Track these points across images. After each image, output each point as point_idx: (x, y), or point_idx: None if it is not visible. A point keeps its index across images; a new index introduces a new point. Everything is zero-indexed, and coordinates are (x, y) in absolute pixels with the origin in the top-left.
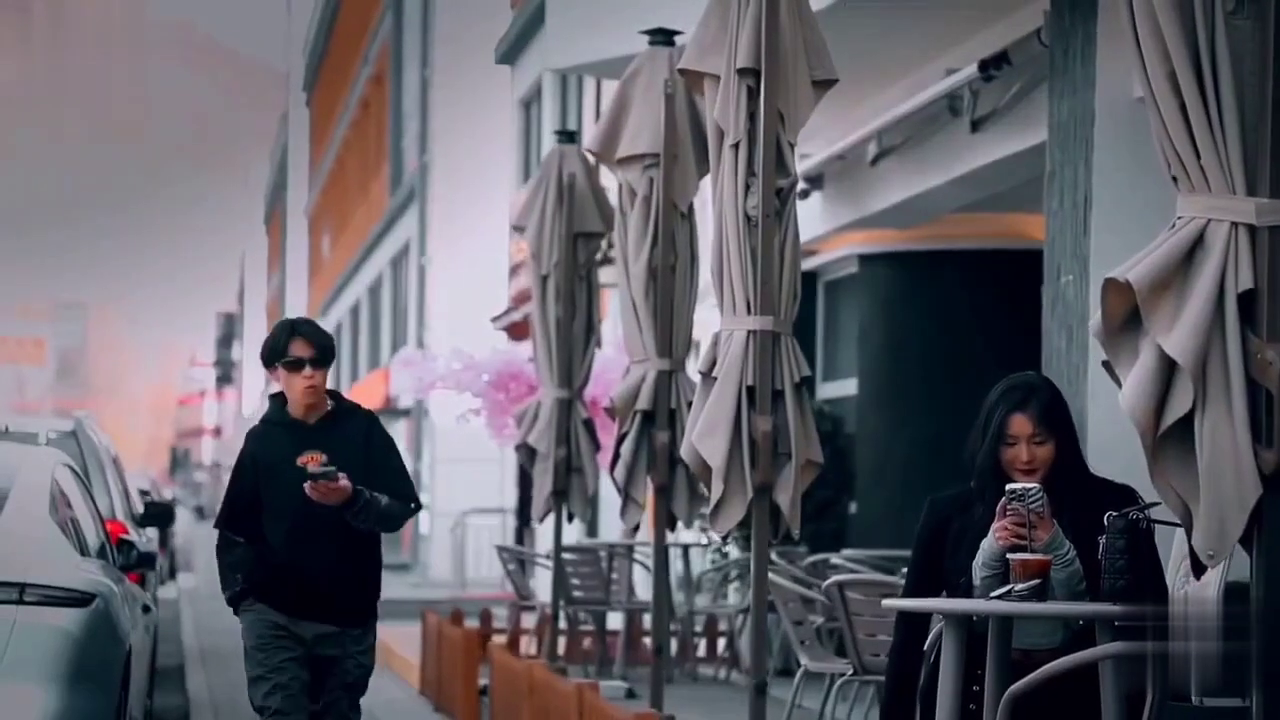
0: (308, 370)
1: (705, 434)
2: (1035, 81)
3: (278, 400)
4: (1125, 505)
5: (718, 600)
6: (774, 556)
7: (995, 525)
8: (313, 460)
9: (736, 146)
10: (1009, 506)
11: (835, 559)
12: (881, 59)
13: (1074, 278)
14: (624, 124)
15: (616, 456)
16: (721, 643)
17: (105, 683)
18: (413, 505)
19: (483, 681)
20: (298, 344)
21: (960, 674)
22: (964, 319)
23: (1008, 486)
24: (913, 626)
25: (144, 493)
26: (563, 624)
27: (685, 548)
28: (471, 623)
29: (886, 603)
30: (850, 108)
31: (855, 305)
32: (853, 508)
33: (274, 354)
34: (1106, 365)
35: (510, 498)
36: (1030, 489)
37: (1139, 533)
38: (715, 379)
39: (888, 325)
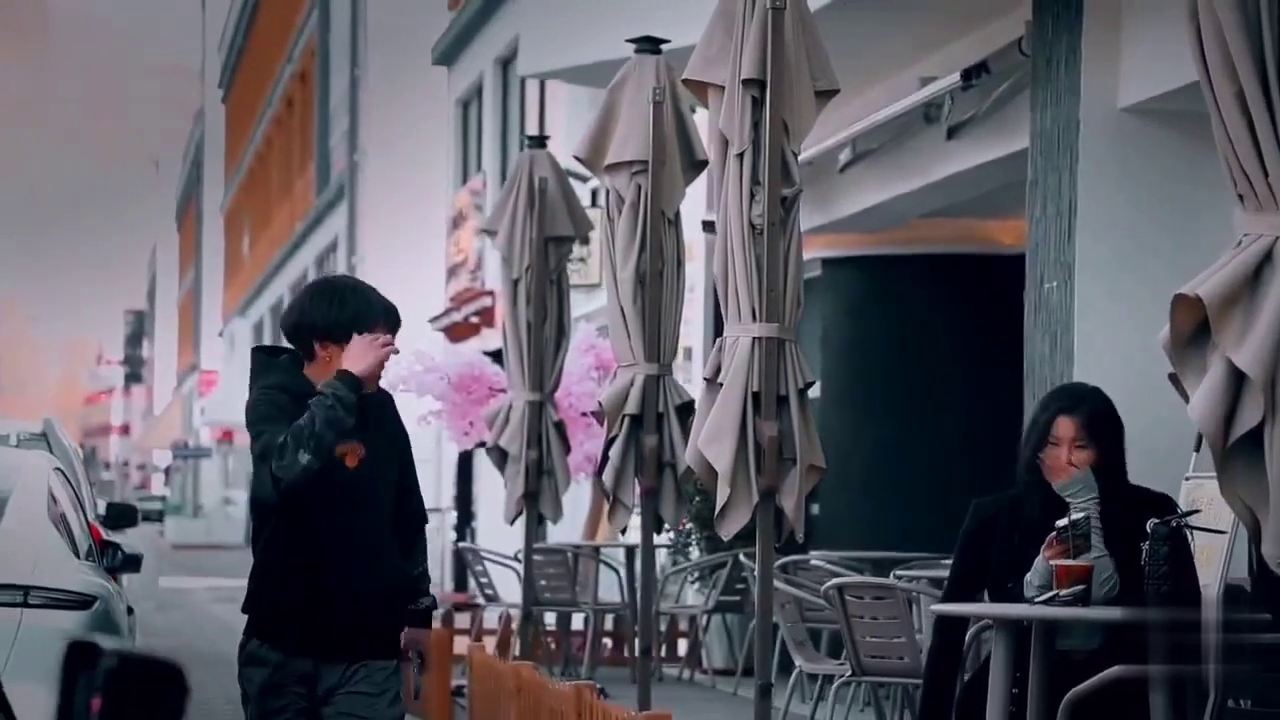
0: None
1: (711, 439)
2: (1015, 90)
3: (291, 363)
4: (1165, 513)
5: (679, 601)
6: (744, 558)
7: (1046, 551)
8: (352, 453)
9: (741, 156)
10: (1059, 538)
11: (815, 560)
12: (854, 66)
13: (1058, 284)
14: (611, 131)
15: (605, 460)
16: (682, 643)
17: None
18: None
19: (454, 682)
20: (381, 324)
21: (1010, 677)
22: (927, 323)
23: (1057, 523)
24: (953, 630)
25: None
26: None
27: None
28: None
29: (934, 607)
30: (821, 113)
31: (818, 309)
32: (814, 509)
33: (347, 325)
34: (1173, 378)
35: (447, 497)
36: (1078, 520)
37: (1182, 540)
38: (720, 385)
39: (851, 329)
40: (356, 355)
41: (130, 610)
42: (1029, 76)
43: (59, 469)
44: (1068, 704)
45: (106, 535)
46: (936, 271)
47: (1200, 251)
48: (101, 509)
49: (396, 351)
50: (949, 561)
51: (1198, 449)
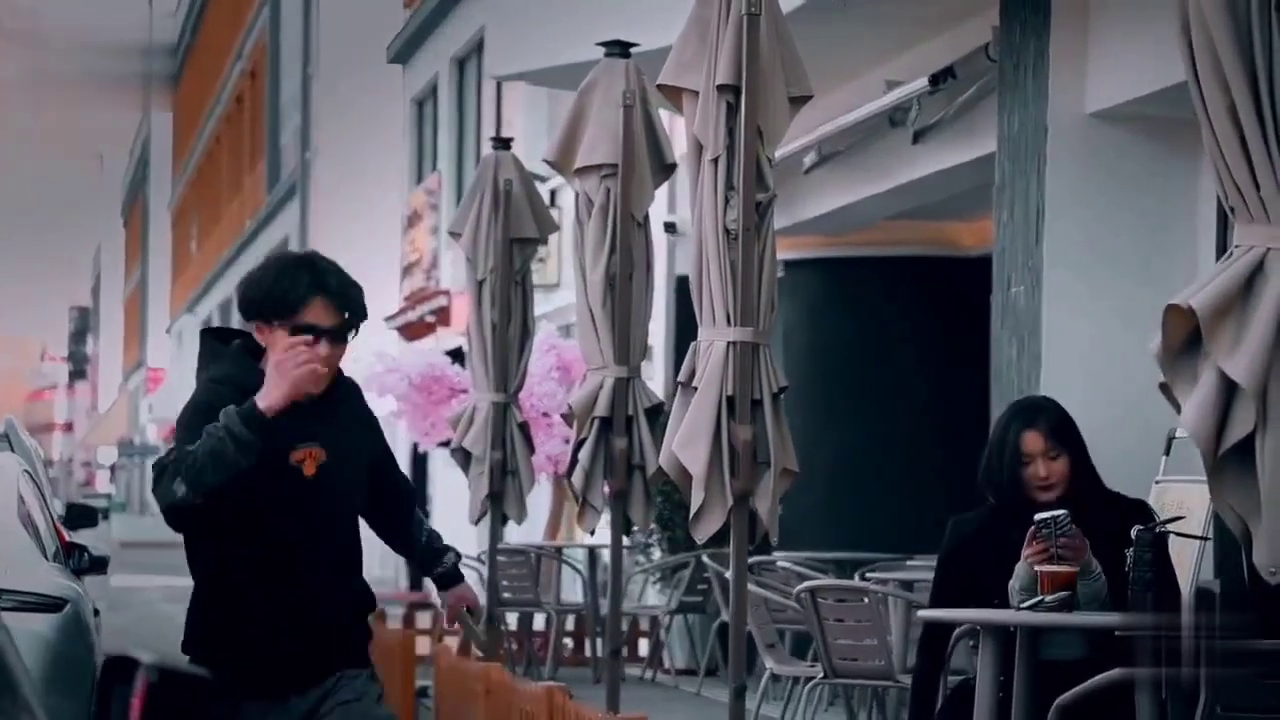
0: (324, 348)
1: (686, 443)
2: (981, 94)
3: (241, 352)
4: (1143, 519)
5: (640, 601)
6: (706, 559)
7: (1027, 552)
8: (310, 460)
9: (716, 161)
10: (1039, 535)
11: (781, 562)
12: (820, 69)
13: (1025, 288)
14: (581, 134)
15: (574, 462)
16: (643, 643)
17: (79, 686)
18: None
19: (419, 683)
20: (318, 306)
21: (997, 685)
22: (888, 325)
23: (1036, 517)
24: (939, 639)
25: None
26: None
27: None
28: (392, 624)
29: (921, 613)
30: None
31: (780, 311)
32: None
33: (275, 307)
34: (1163, 387)
35: None
36: (1058, 516)
37: (1165, 547)
38: (695, 389)
39: (812, 330)
40: (271, 376)
41: (96, 612)
42: (995, 81)
43: (27, 471)
44: (1057, 709)
45: (69, 536)
46: (898, 274)
47: (1167, 255)
48: (59, 509)
49: (322, 367)
50: (914, 563)
51: (1167, 452)
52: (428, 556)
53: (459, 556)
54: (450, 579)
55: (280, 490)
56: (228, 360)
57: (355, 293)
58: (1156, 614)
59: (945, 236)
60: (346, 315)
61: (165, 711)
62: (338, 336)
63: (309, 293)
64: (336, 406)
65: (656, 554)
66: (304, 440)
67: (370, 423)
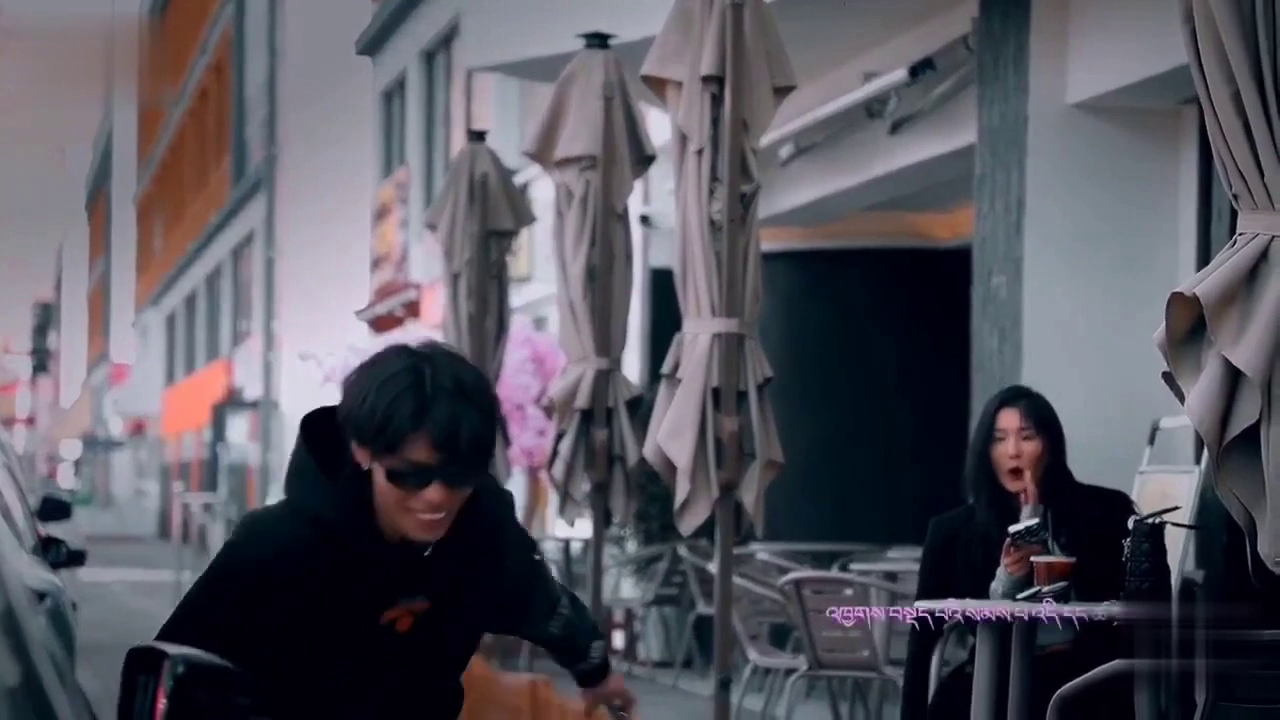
0: (434, 491)
1: (671, 434)
2: (959, 86)
3: (342, 485)
4: (1124, 511)
5: (615, 593)
6: (683, 551)
7: (1006, 560)
8: (405, 617)
9: (700, 152)
10: (1015, 545)
11: (761, 554)
12: (797, 61)
13: (1007, 279)
14: (561, 126)
15: (555, 454)
16: (617, 635)
17: (61, 679)
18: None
19: None
20: (421, 443)
21: (995, 678)
22: (863, 317)
23: (1010, 529)
24: (927, 638)
25: None
26: None
27: (586, 541)
28: None
29: (920, 604)
30: None
31: None
32: None
33: (377, 438)
34: (1167, 376)
35: None
36: (1032, 526)
37: (1161, 539)
38: (679, 380)
39: (787, 322)
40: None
41: (74, 605)
42: (975, 72)
43: (5, 465)
44: (1057, 701)
45: (42, 529)
46: (874, 266)
47: (1149, 245)
48: (34, 503)
49: (432, 524)
50: (893, 554)
51: (1151, 442)
52: (566, 654)
53: (605, 648)
54: (593, 676)
55: (360, 653)
56: (321, 492)
57: (483, 430)
58: (1155, 606)
59: (921, 228)
60: (467, 454)
61: (190, 703)
62: (458, 478)
63: (414, 424)
64: (457, 545)
65: (631, 546)
66: (403, 595)
67: (506, 559)
